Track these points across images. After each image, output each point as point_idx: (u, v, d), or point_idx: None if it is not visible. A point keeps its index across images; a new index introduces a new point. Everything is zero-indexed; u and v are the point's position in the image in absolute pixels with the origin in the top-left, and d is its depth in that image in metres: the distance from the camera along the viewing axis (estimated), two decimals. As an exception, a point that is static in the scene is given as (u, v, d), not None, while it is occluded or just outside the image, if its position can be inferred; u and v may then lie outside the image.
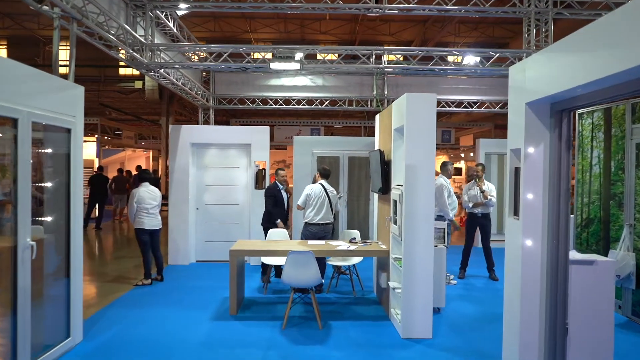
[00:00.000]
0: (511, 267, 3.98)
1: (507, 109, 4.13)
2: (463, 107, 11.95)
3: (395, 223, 5.76)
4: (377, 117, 7.21)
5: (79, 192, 4.85)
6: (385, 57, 8.54)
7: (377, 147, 7.20)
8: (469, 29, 16.39)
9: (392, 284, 5.85)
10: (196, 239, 9.42)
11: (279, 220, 7.45)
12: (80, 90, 5.08)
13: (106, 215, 14.36)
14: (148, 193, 7.43)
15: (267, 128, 9.32)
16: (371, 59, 8.53)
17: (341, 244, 6.54)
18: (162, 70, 8.14)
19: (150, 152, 23.95)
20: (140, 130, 23.76)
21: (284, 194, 7.77)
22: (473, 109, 12.03)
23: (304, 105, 11.73)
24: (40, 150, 4.53)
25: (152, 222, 7.46)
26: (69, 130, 4.76)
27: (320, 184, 7.08)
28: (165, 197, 8.86)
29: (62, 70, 5.60)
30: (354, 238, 6.91)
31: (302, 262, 5.55)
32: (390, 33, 17.04)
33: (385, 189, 6.13)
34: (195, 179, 9.40)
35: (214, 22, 17.47)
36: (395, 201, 5.76)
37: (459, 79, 11.90)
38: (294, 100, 11.70)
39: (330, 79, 11.77)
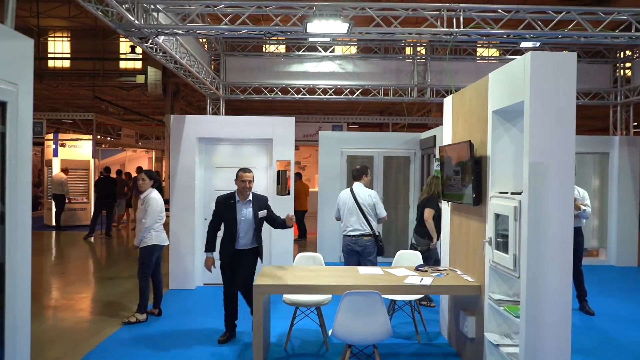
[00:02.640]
0: None
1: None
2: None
3: (498, 249, 3.91)
4: (448, 100, 5.37)
5: (22, 192, 3.01)
6: (461, 19, 6.40)
7: (447, 140, 5.36)
8: None
9: (491, 336, 3.99)
10: (204, 257, 7.57)
11: (210, 254, 5.20)
12: (28, 45, 3.24)
13: (99, 223, 12.58)
14: (162, 200, 5.87)
15: (293, 119, 7.50)
16: (439, 21, 6.43)
17: (406, 273, 4.69)
18: (161, 41, 6.30)
19: (153, 153, 22.19)
20: (142, 129, 22.00)
21: (244, 210, 5.08)
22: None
23: (331, 95, 9.90)
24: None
25: (163, 235, 5.87)
26: (2, 104, 2.93)
27: (350, 188, 5.85)
28: (165, 203, 7.11)
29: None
30: (421, 265, 5.04)
31: (365, 306, 3.71)
32: None
33: (478, 198, 4.26)
34: (202, 183, 7.58)
35: None
36: (499, 216, 3.90)
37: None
38: (319, 89, 9.87)
39: (362, 64, 9.94)
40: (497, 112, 4.07)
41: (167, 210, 7.47)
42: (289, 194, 7.52)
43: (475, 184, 4.24)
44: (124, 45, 19.01)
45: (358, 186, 5.79)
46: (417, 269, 4.93)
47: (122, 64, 19.86)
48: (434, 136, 8.75)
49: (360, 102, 16.56)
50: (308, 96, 9.91)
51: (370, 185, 6.21)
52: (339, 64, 9.92)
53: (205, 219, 7.55)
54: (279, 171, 7.52)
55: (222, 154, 7.63)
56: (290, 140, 7.45)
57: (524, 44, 9.42)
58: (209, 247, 5.22)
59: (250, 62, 9.79)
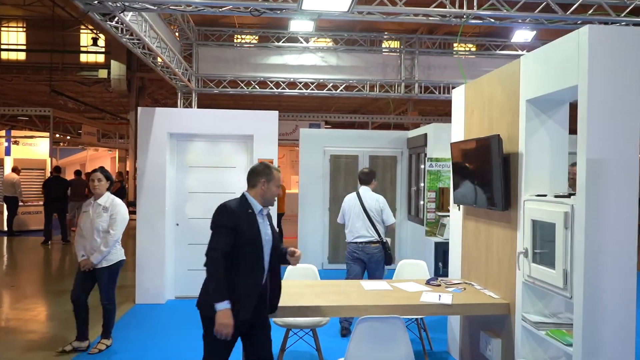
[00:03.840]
0: None
1: None
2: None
3: (538, 262, 3.30)
4: (459, 91, 4.77)
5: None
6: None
7: (457, 136, 4.76)
8: None
9: (526, 365, 3.38)
10: (175, 267, 6.78)
11: (226, 304, 2.89)
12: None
13: (55, 227, 11.51)
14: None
15: (275, 113, 6.79)
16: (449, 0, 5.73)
17: (418, 289, 4.06)
18: (128, 19, 5.48)
19: (117, 152, 20.99)
20: (105, 127, 20.75)
21: (266, 228, 3.17)
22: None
23: (312, 90, 9.22)
24: None
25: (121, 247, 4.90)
26: None
27: (357, 192, 5.46)
28: (131, 205, 6.28)
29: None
30: (434, 278, 4.41)
31: (385, 334, 3.04)
32: None
33: (506, 202, 3.65)
34: (174, 184, 6.77)
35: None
36: (536, 223, 3.30)
37: (506, 60, 9.58)
38: (300, 82, 9.18)
39: (346, 57, 9.31)
40: (533, 102, 3.47)
41: (132, 210, 6.66)
42: (271, 196, 6.78)
43: (503, 185, 3.63)
44: (85, 38, 17.85)
45: (365, 190, 5.40)
46: (428, 282, 4.29)
47: (83, 57, 18.70)
48: (425, 134, 8.18)
49: (335, 100, 15.96)
50: (289, 91, 9.21)
51: (376, 190, 5.60)
52: (322, 56, 9.26)
53: (178, 225, 6.76)
54: (260, 171, 6.78)
55: (196, 151, 6.84)
56: (273, 137, 6.74)
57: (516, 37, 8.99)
58: (223, 290, 2.89)
59: (225, 52, 9.01)
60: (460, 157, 4.41)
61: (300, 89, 9.19)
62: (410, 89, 9.32)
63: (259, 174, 3.16)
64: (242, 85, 9.12)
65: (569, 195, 3.09)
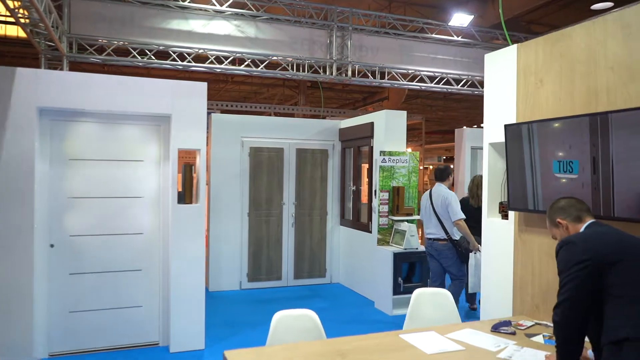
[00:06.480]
0: None
1: None
2: (444, 84, 8.74)
3: None
4: (502, 55, 3.46)
5: None
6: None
7: (496, 118, 3.46)
8: None
9: None
10: (50, 309, 4.53)
11: None
12: None
13: None
14: None
15: (204, 85, 4.90)
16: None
17: (489, 341, 2.66)
18: None
19: None
20: None
21: None
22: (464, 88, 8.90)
23: (227, 65, 7.34)
24: None
25: None
26: None
27: (431, 189, 5.62)
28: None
29: None
30: (505, 323, 3.01)
31: None
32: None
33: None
34: (47, 185, 4.52)
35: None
36: None
37: (441, 46, 8.67)
38: (212, 55, 7.24)
39: (267, 29, 7.61)
40: None
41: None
42: (197, 201, 4.88)
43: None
44: None
45: (438, 187, 5.52)
46: (497, 329, 2.90)
47: None
48: (372, 124, 6.85)
49: (228, 85, 14.02)
50: (196, 65, 7.20)
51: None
52: (237, 25, 7.43)
53: (53, 246, 4.53)
54: (184, 166, 4.85)
55: (82, 137, 4.66)
56: (200, 119, 4.85)
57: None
58: None
59: (110, 9, 6.73)
60: (519, 145, 3.08)
61: (212, 63, 7.24)
62: (342, 72, 7.92)
63: None
64: (135, 53, 6.91)
65: None
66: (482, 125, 3.79)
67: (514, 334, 2.84)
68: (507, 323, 2.96)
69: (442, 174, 5.54)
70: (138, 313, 4.82)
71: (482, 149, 8.64)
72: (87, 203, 4.65)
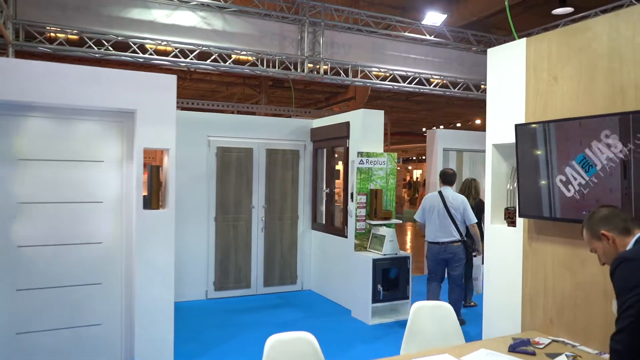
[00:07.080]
0: None
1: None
2: (416, 84, 8.53)
3: None
4: (508, 49, 3.21)
5: None
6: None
7: (499, 118, 3.20)
8: None
9: None
10: (-6, 333, 3.95)
11: None
12: None
13: None
14: None
15: (173, 78, 4.44)
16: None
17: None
18: None
19: None
20: None
21: None
22: (432, 88, 8.70)
23: (192, 59, 6.85)
24: None
25: None
26: None
27: (439, 191, 5.50)
28: None
29: None
30: (524, 342, 2.74)
31: None
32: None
33: None
34: (-9, 189, 3.95)
35: None
36: None
37: (413, 45, 8.46)
38: (176, 48, 6.73)
39: (236, 21, 7.17)
40: None
41: None
42: (164, 207, 4.42)
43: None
44: None
45: (448, 190, 5.49)
46: (515, 350, 2.63)
47: None
48: (347, 123, 6.54)
49: (186, 83, 13.44)
50: (158, 58, 6.68)
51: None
52: (203, 16, 6.95)
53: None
54: (151, 167, 4.37)
55: (33, 134, 4.10)
56: (169, 115, 4.39)
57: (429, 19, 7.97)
58: None
59: (62, -6, 6.13)
60: (530, 145, 2.84)
61: (175, 57, 6.73)
62: (314, 70, 7.58)
63: None
64: (91, 43, 6.31)
65: None
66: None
67: (534, 354, 2.58)
68: (525, 342, 2.69)
69: (453, 178, 5.59)
70: (98, 331, 4.30)
71: (454, 150, 8.54)
72: (38, 209, 4.09)
